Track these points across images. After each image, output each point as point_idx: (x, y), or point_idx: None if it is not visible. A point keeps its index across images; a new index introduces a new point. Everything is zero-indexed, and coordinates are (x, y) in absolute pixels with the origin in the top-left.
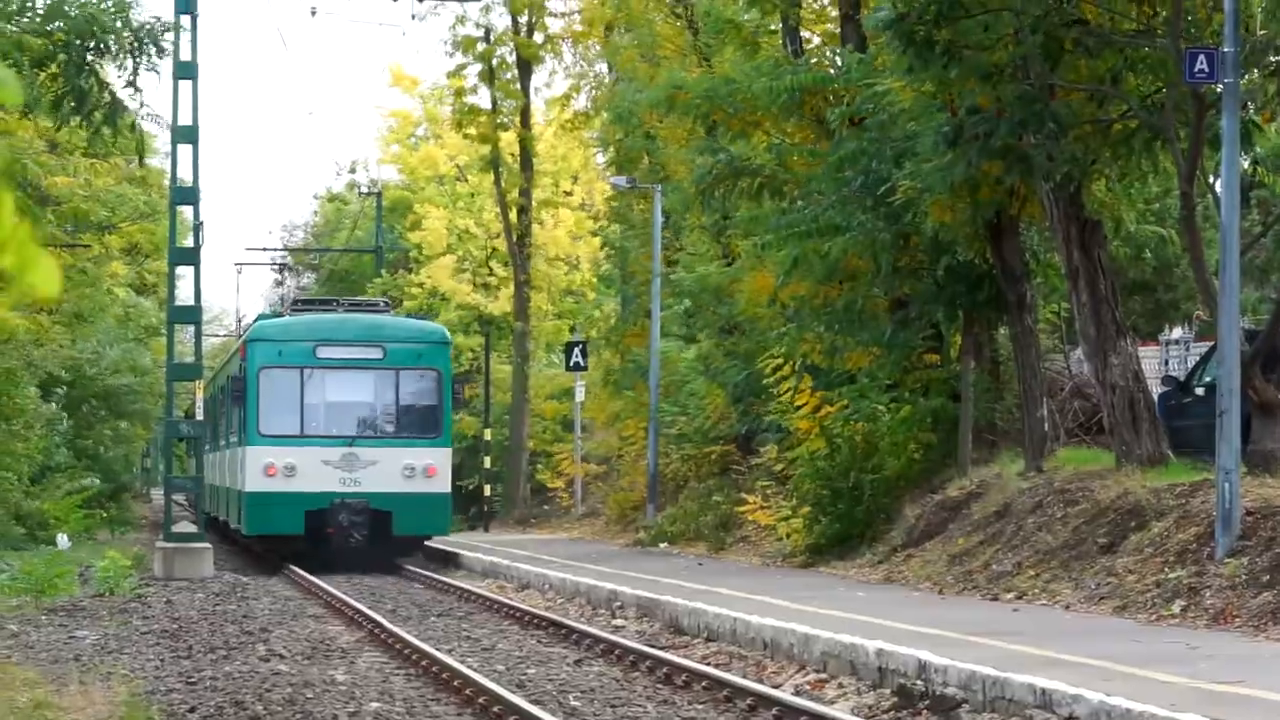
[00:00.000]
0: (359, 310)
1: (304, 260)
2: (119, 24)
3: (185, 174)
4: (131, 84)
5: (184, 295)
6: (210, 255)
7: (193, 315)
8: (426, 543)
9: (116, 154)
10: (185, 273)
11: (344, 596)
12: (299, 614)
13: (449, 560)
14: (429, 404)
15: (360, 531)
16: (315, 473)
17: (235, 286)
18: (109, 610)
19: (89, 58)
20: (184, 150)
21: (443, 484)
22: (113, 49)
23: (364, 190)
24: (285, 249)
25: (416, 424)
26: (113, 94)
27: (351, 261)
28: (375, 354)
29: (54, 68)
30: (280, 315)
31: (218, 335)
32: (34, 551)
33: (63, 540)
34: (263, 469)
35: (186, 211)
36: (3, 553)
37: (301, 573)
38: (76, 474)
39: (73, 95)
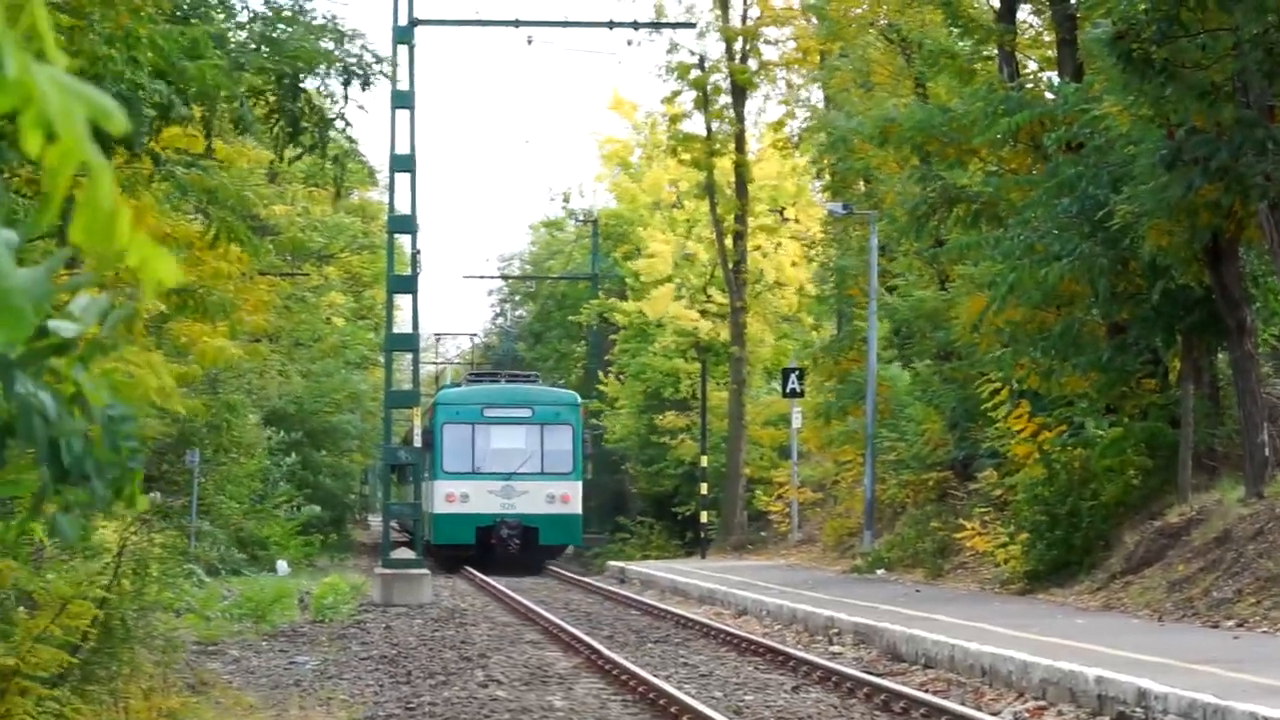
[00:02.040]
0: (515, 380)
1: (520, 288)
2: (333, 52)
3: (403, 203)
4: (341, 116)
5: (402, 323)
6: (427, 283)
7: (410, 343)
8: (633, 566)
9: (331, 183)
10: (403, 301)
11: (561, 622)
12: (517, 640)
13: (655, 584)
14: (565, 449)
15: (515, 542)
16: (483, 499)
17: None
18: (328, 636)
19: (302, 84)
20: (402, 179)
21: (575, 507)
22: (325, 78)
23: (579, 218)
24: (502, 276)
25: (556, 464)
26: (325, 120)
27: (567, 289)
28: (526, 413)
29: (270, 98)
30: (459, 385)
31: (434, 363)
32: (254, 577)
33: (282, 566)
34: (445, 496)
35: (404, 240)
36: (224, 578)
37: (475, 572)
38: (296, 500)
39: (286, 121)
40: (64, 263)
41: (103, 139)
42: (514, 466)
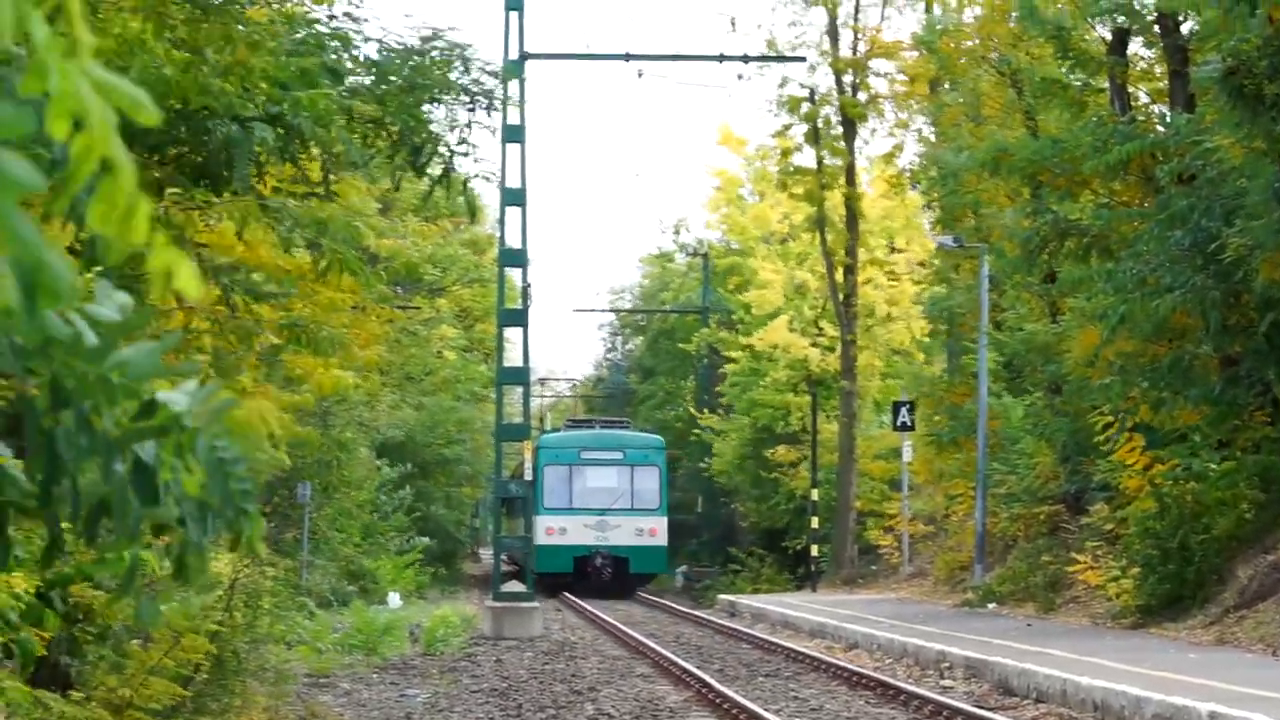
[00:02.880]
0: (608, 426)
1: (631, 322)
2: (452, 77)
3: (514, 236)
4: (464, 141)
5: (513, 357)
6: (538, 317)
7: (521, 376)
8: (744, 600)
9: (445, 214)
10: (514, 334)
11: (671, 655)
12: (627, 673)
13: (766, 617)
14: (652, 488)
15: (608, 571)
16: (579, 532)
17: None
18: (439, 668)
19: (421, 113)
20: (513, 213)
21: (661, 540)
22: (445, 105)
23: (690, 251)
24: (612, 310)
25: (644, 501)
26: (448, 149)
27: (677, 322)
28: (618, 455)
29: (391, 129)
30: (558, 430)
31: (545, 397)
32: (366, 609)
33: (393, 599)
34: (545, 530)
35: (515, 274)
36: (335, 610)
37: (571, 597)
38: (408, 533)
39: (407, 152)
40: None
41: (214, 178)
42: (607, 503)
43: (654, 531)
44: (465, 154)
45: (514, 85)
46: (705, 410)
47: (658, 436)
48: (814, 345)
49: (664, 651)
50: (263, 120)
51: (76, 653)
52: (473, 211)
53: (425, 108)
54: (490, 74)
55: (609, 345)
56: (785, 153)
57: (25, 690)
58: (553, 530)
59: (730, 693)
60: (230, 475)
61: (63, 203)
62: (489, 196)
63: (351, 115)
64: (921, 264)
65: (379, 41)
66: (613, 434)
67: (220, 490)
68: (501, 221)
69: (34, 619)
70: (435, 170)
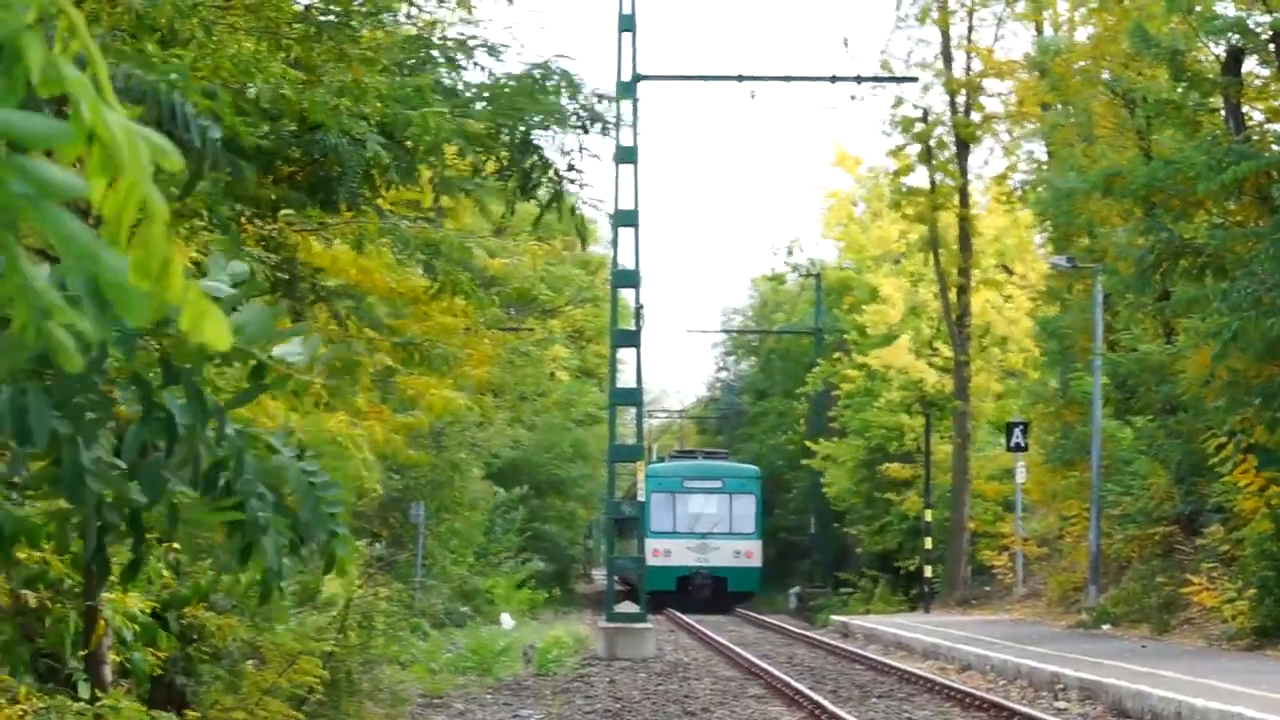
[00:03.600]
0: (709, 458)
1: (743, 342)
2: (565, 101)
3: (626, 257)
4: (572, 167)
5: (625, 378)
6: (651, 337)
7: (634, 397)
8: (856, 621)
9: (558, 236)
10: (627, 355)
11: (784, 676)
12: (740, 694)
13: (879, 638)
14: (748, 514)
15: (708, 589)
16: (682, 554)
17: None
18: (552, 689)
19: (532, 138)
20: (625, 234)
21: (757, 561)
22: (556, 129)
23: (802, 271)
24: (725, 331)
25: (741, 526)
26: (557, 174)
27: (790, 344)
28: (717, 484)
29: (503, 151)
30: (664, 460)
31: (657, 417)
32: (479, 630)
33: (506, 619)
34: (652, 551)
35: (628, 294)
36: (449, 631)
37: (675, 612)
38: (521, 554)
39: (517, 176)
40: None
41: (328, 198)
42: (707, 527)
43: (750, 554)
44: (574, 180)
45: (626, 106)
46: (819, 436)
47: (754, 467)
48: (930, 365)
49: (777, 673)
50: (376, 135)
51: (192, 673)
52: (583, 236)
53: (535, 133)
54: (600, 98)
55: (721, 366)
56: (898, 173)
57: (141, 710)
58: (658, 552)
59: (844, 714)
60: (321, 499)
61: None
62: (602, 217)
63: (465, 137)
64: (1035, 284)
65: (488, 69)
66: (713, 464)
67: (311, 512)
68: (614, 242)
69: (149, 638)
70: (544, 193)
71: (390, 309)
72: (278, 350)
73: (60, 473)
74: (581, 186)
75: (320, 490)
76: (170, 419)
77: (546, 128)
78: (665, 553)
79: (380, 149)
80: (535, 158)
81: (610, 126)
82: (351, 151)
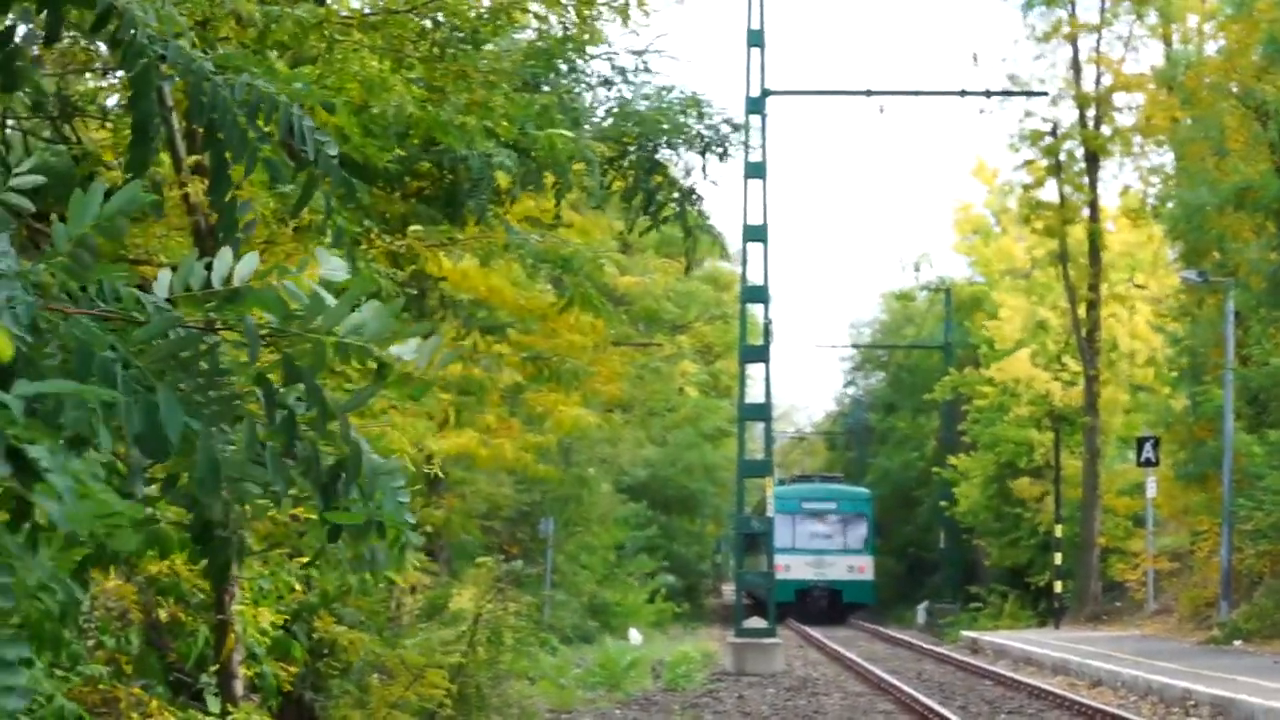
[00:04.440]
0: (825, 481)
1: (872, 357)
2: (690, 124)
3: (756, 273)
4: (691, 191)
5: (754, 393)
6: (780, 353)
7: (763, 412)
8: (985, 636)
9: (683, 255)
10: (755, 371)
11: (914, 692)
12: (869, 710)
13: (1008, 654)
14: (860, 532)
15: (824, 601)
16: (800, 569)
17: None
18: (680, 704)
19: (657, 157)
20: (754, 249)
21: (869, 575)
22: (680, 150)
23: (931, 287)
24: (853, 346)
25: (854, 543)
26: (681, 192)
27: (919, 359)
28: (832, 505)
29: (628, 167)
30: (783, 483)
31: (786, 433)
32: (608, 645)
33: (635, 635)
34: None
35: (757, 310)
36: (578, 646)
37: (795, 623)
38: (650, 569)
39: (642, 194)
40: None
41: (456, 212)
42: (823, 545)
43: (862, 569)
44: (694, 202)
45: (755, 121)
46: (949, 451)
47: (865, 490)
48: (1056, 380)
49: (906, 688)
50: (504, 148)
51: (321, 688)
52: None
53: (661, 153)
54: (726, 122)
55: (849, 381)
56: (1027, 186)
57: None
58: (780, 567)
59: None
60: (389, 494)
61: None
62: (732, 233)
63: (587, 158)
64: (1166, 299)
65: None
66: (828, 487)
67: (394, 510)
68: (743, 257)
69: (281, 653)
70: (665, 212)
71: (519, 325)
72: (394, 349)
73: (195, 469)
74: (700, 209)
75: (388, 482)
76: (291, 418)
77: (672, 148)
78: (786, 567)
79: (509, 160)
80: (660, 177)
81: (733, 149)
82: (481, 163)
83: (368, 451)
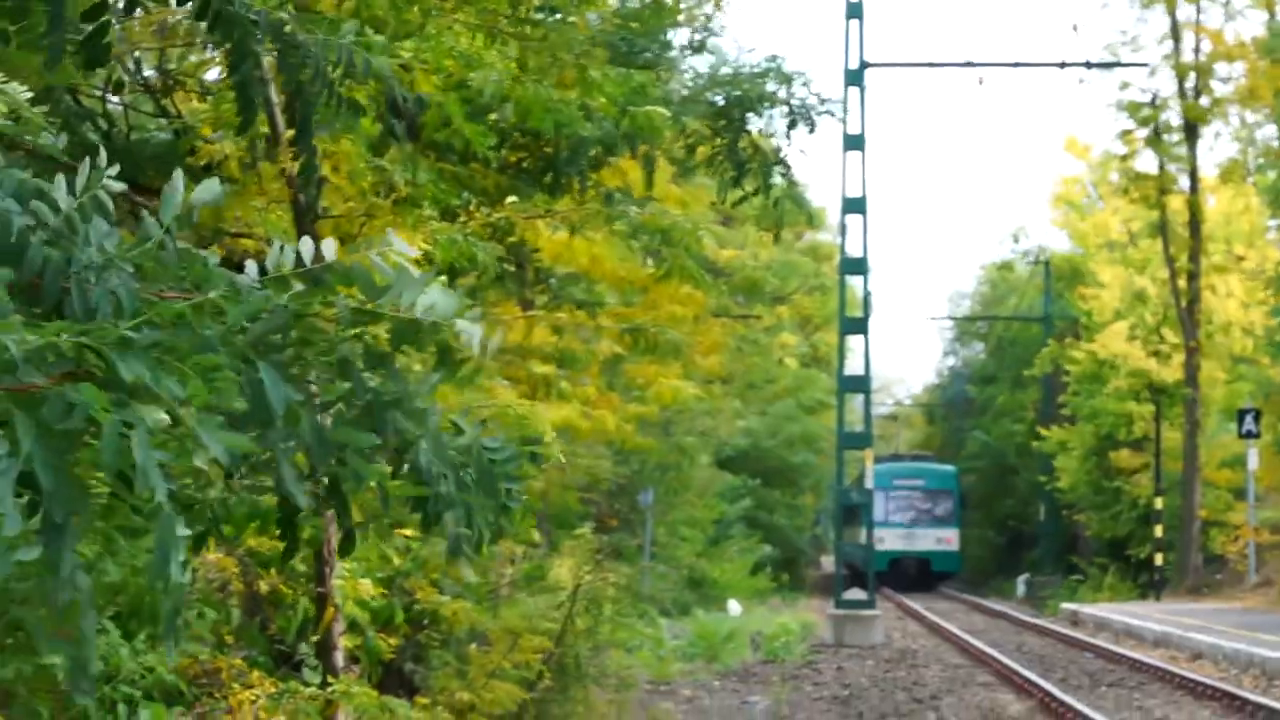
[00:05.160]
0: (915, 460)
1: (971, 329)
2: (777, 93)
3: (855, 244)
4: (782, 160)
5: (853, 365)
6: (879, 324)
7: (862, 384)
8: (1086, 609)
9: (772, 226)
10: (855, 342)
11: (1013, 664)
12: (969, 681)
13: (1108, 627)
14: (947, 506)
15: (914, 570)
16: (892, 540)
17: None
18: (780, 676)
19: (746, 128)
20: (854, 221)
21: (955, 546)
22: (769, 120)
23: (1030, 258)
24: (952, 318)
25: (941, 517)
26: (769, 163)
27: (1019, 331)
28: (921, 482)
29: (719, 140)
30: (878, 461)
31: (886, 404)
32: (706, 617)
33: (734, 606)
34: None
35: (856, 281)
36: (676, 618)
37: (895, 595)
38: (750, 541)
39: (730, 164)
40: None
41: (553, 184)
42: (913, 518)
43: (949, 540)
44: (784, 172)
45: (854, 93)
46: (1049, 423)
47: (952, 467)
48: (1155, 353)
49: (1006, 660)
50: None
51: (422, 659)
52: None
53: (750, 124)
54: (815, 95)
55: (949, 352)
56: (1125, 157)
57: (373, 695)
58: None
59: (1073, 702)
60: (499, 472)
61: None
62: (831, 205)
63: (683, 130)
64: (1266, 270)
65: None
66: (917, 465)
67: (488, 485)
68: (842, 229)
69: (382, 622)
70: (752, 184)
71: (619, 296)
72: (459, 325)
73: (301, 437)
74: (788, 179)
75: (501, 465)
76: (378, 398)
77: (760, 118)
78: (880, 539)
79: (610, 126)
80: (747, 147)
81: (822, 121)
82: (580, 136)
83: (435, 429)
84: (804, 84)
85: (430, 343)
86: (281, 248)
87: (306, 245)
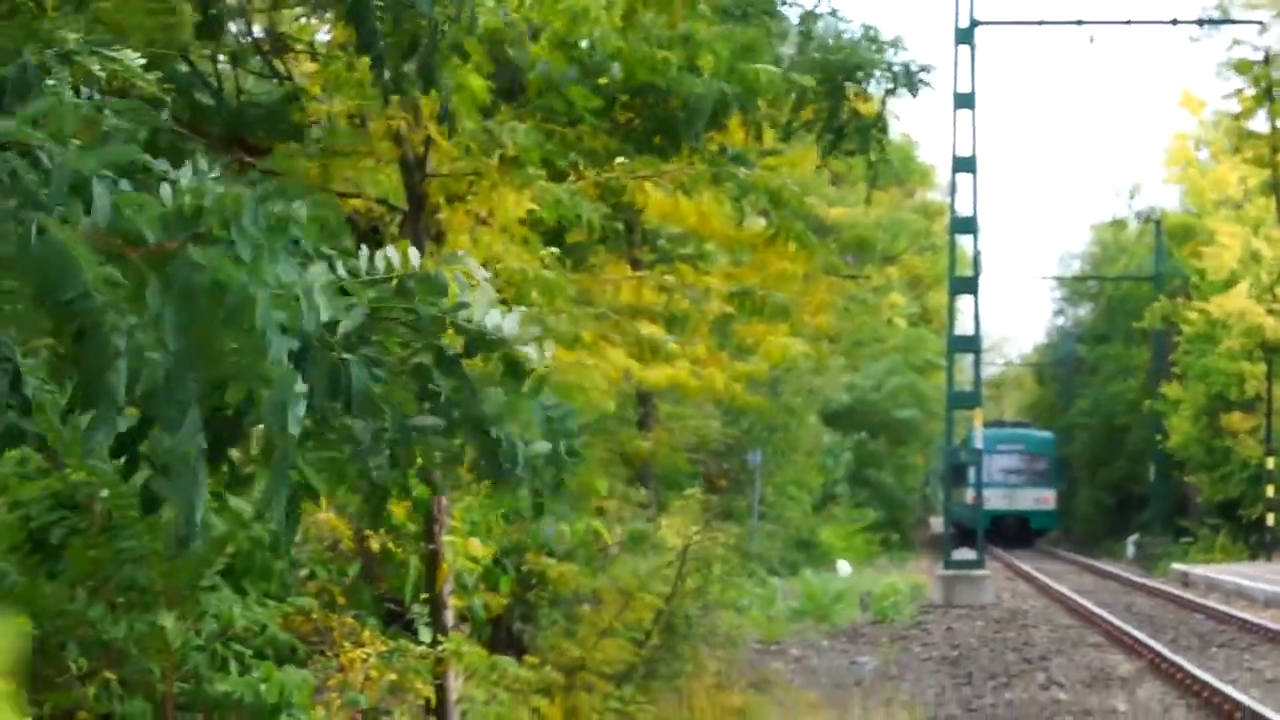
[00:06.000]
0: (1015, 427)
1: (1082, 289)
2: (879, 61)
3: (965, 204)
4: (879, 126)
5: (964, 325)
6: (989, 284)
7: (972, 344)
8: (1196, 570)
9: (894, 183)
10: (965, 302)
11: (1123, 625)
12: (1078, 642)
13: (1219, 587)
14: (1044, 468)
15: (1014, 528)
16: (996, 500)
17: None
18: (889, 636)
19: (846, 94)
20: (963, 180)
21: (1052, 505)
22: (869, 86)
23: (1141, 217)
24: (1062, 278)
25: (1039, 478)
26: (867, 126)
27: (1130, 290)
28: (1020, 446)
29: (821, 103)
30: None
31: (996, 364)
32: (815, 577)
33: (843, 566)
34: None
35: (966, 241)
36: (785, 578)
37: (997, 551)
38: (857, 501)
39: (829, 128)
40: None
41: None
42: (1014, 480)
43: (1046, 499)
44: (880, 137)
45: (964, 52)
46: (1159, 384)
47: (1049, 433)
48: (1270, 312)
49: (1116, 621)
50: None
51: (530, 618)
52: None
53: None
54: (913, 62)
55: (1058, 311)
56: (1237, 116)
57: (483, 653)
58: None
59: (1183, 663)
60: (557, 430)
61: None
62: (941, 163)
63: (789, 92)
64: None
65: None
66: (1017, 431)
67: (552, 441)
68: (952, 189)
69: (491, 583)
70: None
71: (729, 257)
72: (523, 347)
73: (388, 429)
74: (884, 144)
75: (559, 424)
76: (451, 402)
77: (860, 84)
78: (984, 499)
79: (723, 87)
80: (848, 111)
81: (920, 86)
82: (695, 94)
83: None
84: (900, 51)
85: (500, 354)
86: (371, 255)
87: (395, 252)
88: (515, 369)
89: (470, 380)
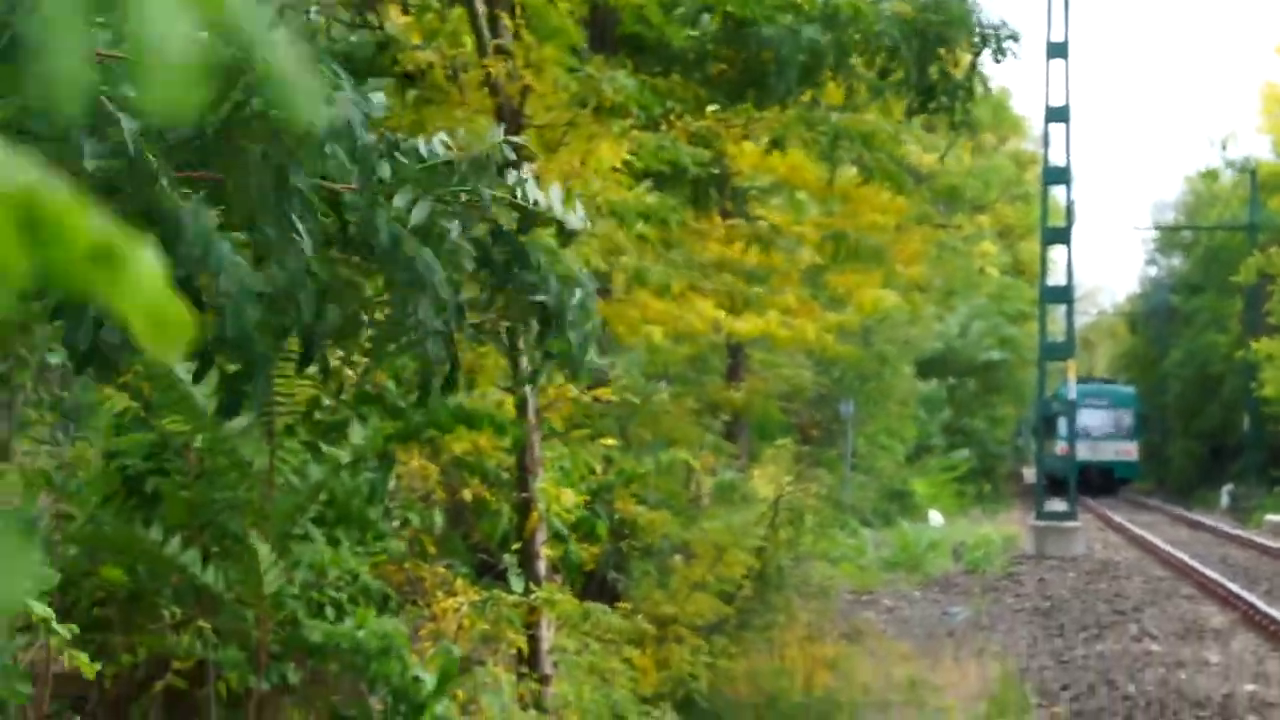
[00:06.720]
0: (1102, 382)
1: (1175, 239)
2: (967, 19)
3: (1057, 153)
4: (964, 84)
5: (1056, 275)
6: (1082, 234)
7: (1065, 295)
8: None
9: (987, 130)
10: (1057, 252)
11: (1216, 576)
12: (1171, 594)
13: None
14: (1127, 423)
15: (1099, 478)
16: (1082, 451)
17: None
18: (981, 587)
19: (938, 50)
20: (1056, 130)
21: (1134, 456)
22: (956, 45)
23: (1237, 167)
24: (1155, 228)
25: (1123, 431)
26: (955, 87)
27: (1224, 240)
28: (1106, 401)
29: (906, 60)
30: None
31: (1088, 314)
32: (908, 527)
33: (935, 517)
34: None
35: (1059, 191)
36: (877, 528)
37: (1089, 502)
38: (950, 451)
39: (917, 88)
40: None
41: (759, 92)
42: (1098, 433)
43: (1128, 451)
44: (965, 99)
45: (1058, 2)
46: (1255, 334)
47: (1131, 389)
48: None
49: (1209, 572)
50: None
51: (623, 568)
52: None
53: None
54: (1001, 24)
55: (1150, 261)
56: None
57: (576, 602)
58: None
59: (1277, 615)
60: (579, 283)
61: None
62: (1035, 113)
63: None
64: None
65: None
66: (1102, 387)
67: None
68: (1045, 139)
69: (584, 532)
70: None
71: (820, 208)
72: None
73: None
74: (967, 107)
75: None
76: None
77: (946, 44)
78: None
79: (816, 35)
80: (935, 71)
81: (1003, 51)
82: (788, 39)
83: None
84: (982, 13)
85: (550, 222)
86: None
87: (439, 139)
88: (562, 232)
89: (524, 248)
